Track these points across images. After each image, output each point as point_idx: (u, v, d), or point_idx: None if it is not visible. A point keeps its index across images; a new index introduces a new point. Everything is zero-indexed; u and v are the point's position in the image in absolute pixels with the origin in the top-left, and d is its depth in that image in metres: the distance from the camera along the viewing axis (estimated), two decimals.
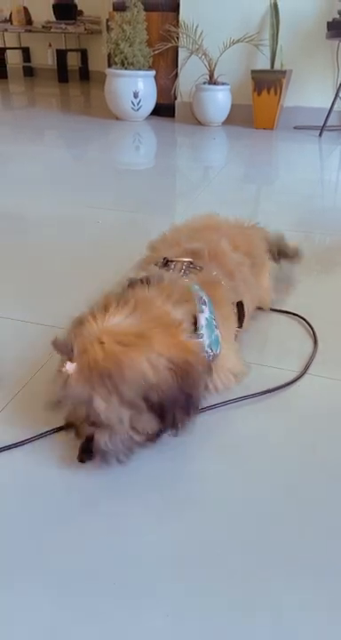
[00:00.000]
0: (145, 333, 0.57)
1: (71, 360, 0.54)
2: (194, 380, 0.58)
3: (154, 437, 0.61)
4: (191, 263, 0.76)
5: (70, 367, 0.54)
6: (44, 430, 0.68)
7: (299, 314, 0.99)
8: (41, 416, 0.72)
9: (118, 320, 0.58)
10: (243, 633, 0.46)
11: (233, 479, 0.63)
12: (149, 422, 0.58)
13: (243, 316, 0.82)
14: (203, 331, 0.66)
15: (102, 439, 0.56)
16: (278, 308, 1.01)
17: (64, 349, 0.55)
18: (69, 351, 0.55)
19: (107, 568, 0.52)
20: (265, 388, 0.77)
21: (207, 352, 0.67)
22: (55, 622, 0.47)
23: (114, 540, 0.54)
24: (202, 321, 0.66)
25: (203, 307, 0.67)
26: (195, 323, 0.66)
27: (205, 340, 0.66)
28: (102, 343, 0.55)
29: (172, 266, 0.76)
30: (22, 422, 0.70)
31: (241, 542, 0.55)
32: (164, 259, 0.77)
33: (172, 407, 0.56)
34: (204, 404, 0.73)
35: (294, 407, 0.75)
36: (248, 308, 0.86)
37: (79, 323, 0.59)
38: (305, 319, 0.97)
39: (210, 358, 0.68)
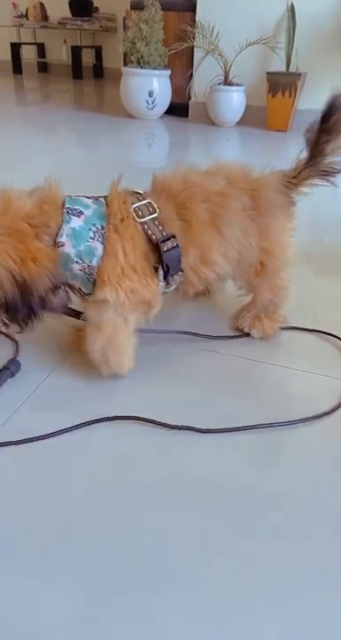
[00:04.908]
0: None
1: None
2: (32, 293, 0.66)
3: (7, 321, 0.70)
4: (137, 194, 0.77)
5: None
6: (66, 421, 0.71)
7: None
8: (63, 407, 0.74)
9: None
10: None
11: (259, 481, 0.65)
12: None
13: (159, 254, 0.74)
14: (64, 239, 0.70)
15: None
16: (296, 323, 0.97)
17: None
18: None
19: (131, 556, 0.54)
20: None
21: (77, 262, 0.71)
22: (79, 606, 0.49)
23: (136, 531, 0.57)
24: (66, 230, 0.70)
25: (73, 217, 0.71)
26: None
27: (70, 250, 0.70)
28: None
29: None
30: (45, 413, 0.73)
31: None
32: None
33: (14, 310, 0.67)
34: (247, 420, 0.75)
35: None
36: (208, 250, 0.78)
37: None
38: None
39: (85, 269, 0.72)
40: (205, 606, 0.49)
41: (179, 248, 0.76)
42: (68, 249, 0.70)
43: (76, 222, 0.71)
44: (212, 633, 0.47)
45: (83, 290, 0.75)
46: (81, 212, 0.72)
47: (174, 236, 0.75)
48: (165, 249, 0.74)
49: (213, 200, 0.78)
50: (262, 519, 0.58)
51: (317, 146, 0.81)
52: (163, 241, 0.74)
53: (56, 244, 0.70)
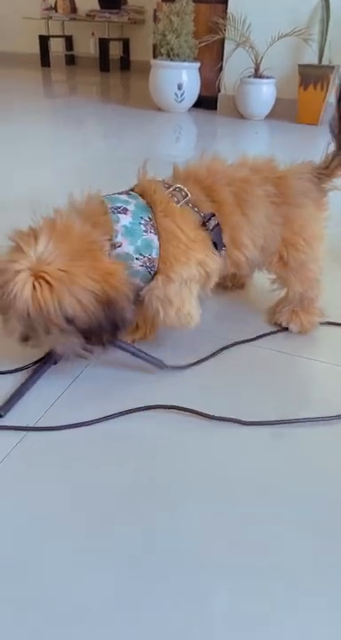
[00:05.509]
0: (70, 269, 0.63)
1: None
2: (117, 307, 0.66)
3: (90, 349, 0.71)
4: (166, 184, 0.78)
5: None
6: (108, 408, 0.71)
7: None
8: (104, 394, 0.75)
9: (42, 250, 0.63)
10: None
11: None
12: (77, 340, 0.67)
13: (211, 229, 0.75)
14: (121, 238, 0.69)
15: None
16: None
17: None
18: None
19: (168, 542, 0.54)
20: None
21: (137, 258, 0.70)
22: (120, 585, 0.50)
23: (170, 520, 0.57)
24: (119, 229, 0.70)
25: (120, 215, 0.70)
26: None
27: (128, 247, 0.69)
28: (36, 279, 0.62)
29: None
30: (86, 400, 0.74)
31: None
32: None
33: (99, 331, 0.66)
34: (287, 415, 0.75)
35: None
36: (233, 231, 0.79)
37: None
38: None
39: (146, 263, 0.71)
40: (250, 598, 0.49)
41: (220, 224, 0.77)
42: (126, 247, 0.70)
43: (125, 219, 0.71)
44: (255, 624, 0.47)
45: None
46: (125, 209, 0.71)
47: (214, 215, 0.76)
48: (211, 227, 0.75)
49: (237, 185, 0.79)
50: (302, 513, 0.58)
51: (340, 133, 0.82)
52: (208, 219, 0.75)
53: (113, 246, 0.69)
